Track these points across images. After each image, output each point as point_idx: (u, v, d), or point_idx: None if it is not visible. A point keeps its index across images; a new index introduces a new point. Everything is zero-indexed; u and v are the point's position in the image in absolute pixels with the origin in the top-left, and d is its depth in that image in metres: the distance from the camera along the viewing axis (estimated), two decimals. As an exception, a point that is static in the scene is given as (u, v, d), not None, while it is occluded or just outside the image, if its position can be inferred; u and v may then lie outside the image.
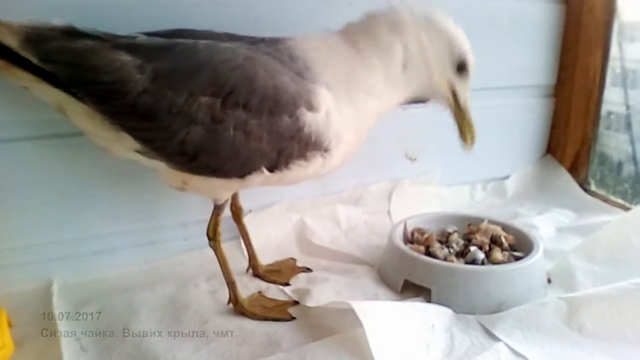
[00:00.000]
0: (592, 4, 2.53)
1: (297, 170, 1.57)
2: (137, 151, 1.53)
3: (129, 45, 1.48)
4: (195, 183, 1.59)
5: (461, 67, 1.66)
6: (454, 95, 1.70)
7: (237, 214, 1.92)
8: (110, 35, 1.52)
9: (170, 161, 1.53)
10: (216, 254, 1.71)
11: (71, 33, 1.48)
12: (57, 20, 1.50)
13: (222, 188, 1.63)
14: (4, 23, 1.42)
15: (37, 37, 1.43)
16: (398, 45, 1.61)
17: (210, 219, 1.69)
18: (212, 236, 1.70)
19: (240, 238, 1.98)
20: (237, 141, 1.46)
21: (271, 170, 1.54)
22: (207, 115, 1.44)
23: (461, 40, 1.65)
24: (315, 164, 1.58)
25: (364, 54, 1.61)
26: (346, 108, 1.59)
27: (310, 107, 1.51)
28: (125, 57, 1.44)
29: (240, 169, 1.52)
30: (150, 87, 1.43)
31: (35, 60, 1.42)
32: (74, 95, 1.46)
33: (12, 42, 1.41)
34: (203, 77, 1.45)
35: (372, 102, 1.63)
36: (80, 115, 1.52)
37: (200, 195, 1.68)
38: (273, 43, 1.62)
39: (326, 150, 1.56)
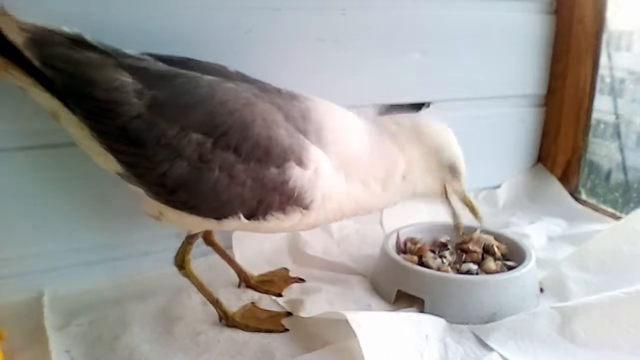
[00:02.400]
0: (582, 15, 2.55)
1: (274, 222, 1.55)
2: (119, 174, 1.52)
3: (134, 67, 1.47)
4: (170, 216, 1.58)
5: (453, 170, 1.74)
6: (445, 194, 1.79)
7: (208, 238, 1.90)
8: (118, 52, 1.51)
9: (149, 190, 1.51)
10: (190, 280, 1.70)
11: (79, 42, 1.48)
12: (69, 28, 1.49)
13: (197, 226, 1.62)
14: (15, 19, 1.41)
15: (42, 39, 1.42)
16: (401, 159, 1.67)
17: (180, 246, 1.68)
18: (180, 264, 1.69)
19: (234, 248, 1.98)
20: (220, 183, 1.45)
21: (248, 217, 1.52)
22: (195, 153, 1.43)
23: (448, 147, 1.73)
24: (293, 219, 1.56)
25: (373, 153, 1.63)
26: (340, 179, 1.58)
27: (300, 163, 1.50)
28: (126, 79, 1.44)
29: (217, 210, 1.51)
30: (145, 114, 1.42)
31: (36, 63, 1.40)
32: (67, 105, 1.45)
33: (18, 39, 1.39)
34: (199, 114, 1.44)
35: (362, 194, 1.63)
36: (73, 125, 1.51)
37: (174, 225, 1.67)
38: (290, 97, 1.61)
39: (306, 208, 1.54)
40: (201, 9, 1.88)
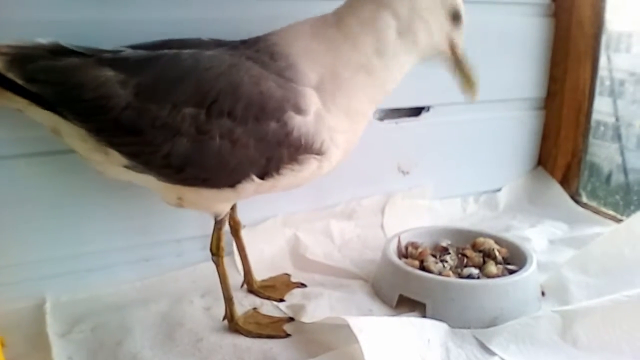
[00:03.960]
0: (580, 18, 2.55)
1: (291, 174, 1.54)
2: (126, 166, 1.52)
3: (113, 60, 1.48)
4: (190, 197, 1.59)
5: (455, 16, 1.63)
6: (452, 48, 1.66)
7: (235, 228, 1.91)
8: (95, 50, 1.52)
9: (158, 174, 1.52)
10: (217, 270, 1.70)
11: (57, 51, 1.48)
12: (44, 39, 1.49)
13: (217, 200, 1.62)
14: None
15: (22, 57, 1.42)
16: (386, 15, 1.56)
17: (213, 234, 1.69)
18: (215, 251, 1.69)
19: (236, 253, 1.97)
20: (224, 150, 1.45)
21: (262, 177, 1.52)
22: (192, 126, 1.43)
23: None
24: (309, 167, 1.55)
25: (350, 32, 1.56)
26: (338, 99, 1.55)
27: (299, 111, 1.49)
28: (108, 73, 1.44)
29: (229, 178, 1.51)
30: (133, 102, 1.42)
31: (20, 82, 1.41)
32: (61, 114, 1.45)
33: None
34: (186, 88, 1.44)
35: (365, 81, 1.58)
36: (74, 137, 1.52)
37: (198, 210, 1.68)
38: (253, 43, 1.60)
39: (319, 152, 1.54)
40: (203, 15, 1.88)
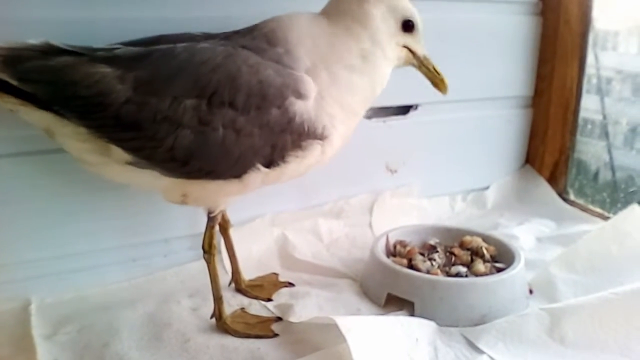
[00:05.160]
0: (568, 16, 2.56)
1: (296, 161, 1.55)
2: (129, 163, 1.50)
3: (107, 58, 1.47)
4: (194, 193, 1.58)
5: (406, 25, 1.69)
6: (412, 53, 1.73)
7: (224, 226, 1.90)
8: (88, 48, 1.51)
9: (163, 168, 1.51)
10: (209, 268, 1.69)
11: (48, 51, 1.47)
12: (35, 39, 1.48)
13: (222, 194, 1.61)
14: None
15: (14, 58, 1.42)
16: (357, 27, 1.63)
17: (205, 231, 1.68)
18: (208, 249, 1.69)
19: (224, 252, 1.96)
20: (228, 140, 1.45)
21: (267, 166, 1.52)
22: (194, 118, 1.43)
23: (402, 1, 1.68)
24: (313, 152, 1.56)
25: (340, 34, 1.62)
26: (333, 90, 1.57)
27: (299, 96, 1.50)
28: (104, 69, 1.43)
29: (234, 168, 1.50)
30: (133, 96, 1.42)
31: (14, 82, 1.40)
32: (57, 112, 1.44)
33: None
34: (185, 80, 1.44)
35: (355, 80, 1.62)
36: (69, 137, 1.50)
37: (203, 206, 1.66)
38: (249, 32, 1.61)
39: (322, 136, 1.55)
40: (187, 14, 1.87)
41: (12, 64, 1.41)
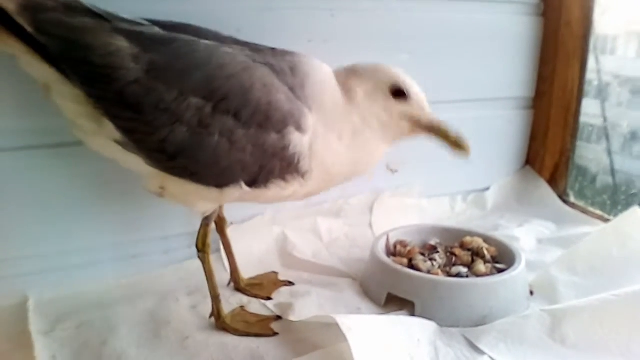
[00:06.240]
0: (569, 18, 2.56)
1: (275, 190, 1.55)
2: (117, 141, 1.49)
3: (130, 32, 1.45)
4: (172, 188, 1.57)
5: (398, 92, 1.62)
6: (414, 122, 1.65)
7: (220, 225, 1.89)
8: (114, 16, 1.49)
9: (149, 157, 1.50)
10: (204, 266, 1.69)
11: (73, 7, 1.45)
12: None
13: (199, 197, 1.59)
14: None
15: (35, 5, 1.39)
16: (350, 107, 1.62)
17: (199, 230, 1.67)
18: (201, 248, 1.67)
19: (222, 251, 1.96)
20: (220, 148, 1.44)
21: (250, 185, 1.51)
22: (195, 117, 1.42)
23: (385, 70, 1.64)
24: (294, 185, 1.56)
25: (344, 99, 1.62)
26: (319, 143, 1.55)
27: (299, 128, 1.50)
28: (122, 43, 1.42)
29: (218, 177, 1.50)
30: (143, 78, 1.41)
31: (29, 29, 1.38)
32: (63, 72, 1.42)
33: (10, 5, 1.36)
34: (197, 78, 1.43)
35: (341, 150, 1.60)
36: (66, 98, 1.48)
37: (177, 203, 1.65)
38: (282, 54, 1.61)
39: (304, 175, 1.55)
40: (191, 7, 1.86)
41: (32, 11, 1.38)
